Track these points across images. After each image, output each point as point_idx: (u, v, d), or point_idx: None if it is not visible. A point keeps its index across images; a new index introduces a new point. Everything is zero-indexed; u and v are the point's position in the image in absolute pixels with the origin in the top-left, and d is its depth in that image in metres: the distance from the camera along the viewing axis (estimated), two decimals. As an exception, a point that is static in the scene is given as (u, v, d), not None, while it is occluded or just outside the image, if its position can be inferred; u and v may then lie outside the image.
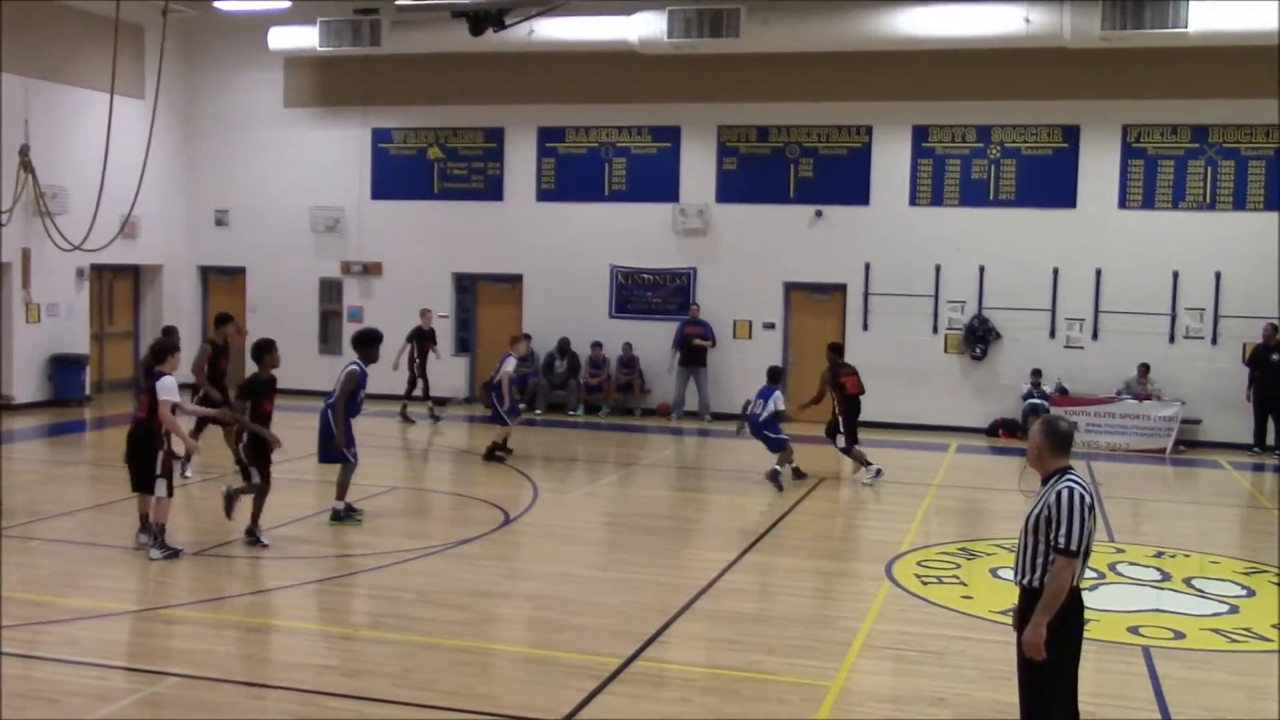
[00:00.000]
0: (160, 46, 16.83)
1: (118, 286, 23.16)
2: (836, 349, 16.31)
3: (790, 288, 21.33)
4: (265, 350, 11.53)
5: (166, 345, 10.97)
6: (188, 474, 14.37)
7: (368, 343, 12.53)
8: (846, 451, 15.61)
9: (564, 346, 21.67)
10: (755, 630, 8.95)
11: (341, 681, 7.71)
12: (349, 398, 12.13)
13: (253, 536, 11.13)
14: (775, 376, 15.49)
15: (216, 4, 21.55)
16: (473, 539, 11.77)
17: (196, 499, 13.61)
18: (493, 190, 22.55)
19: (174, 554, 10.67)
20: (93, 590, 9.92)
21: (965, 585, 10.51)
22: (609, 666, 8.01)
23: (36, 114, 19.51)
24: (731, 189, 21.43)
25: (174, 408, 10.54)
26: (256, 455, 11.27)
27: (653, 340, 21.48)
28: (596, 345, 21.63)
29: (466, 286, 23.09)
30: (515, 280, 22.58)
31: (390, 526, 12.41)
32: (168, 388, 10.55)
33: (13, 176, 17.19)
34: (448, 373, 22.29)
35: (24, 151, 17.76)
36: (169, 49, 19.80)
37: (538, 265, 22.27)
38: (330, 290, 23.45)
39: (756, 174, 21.29)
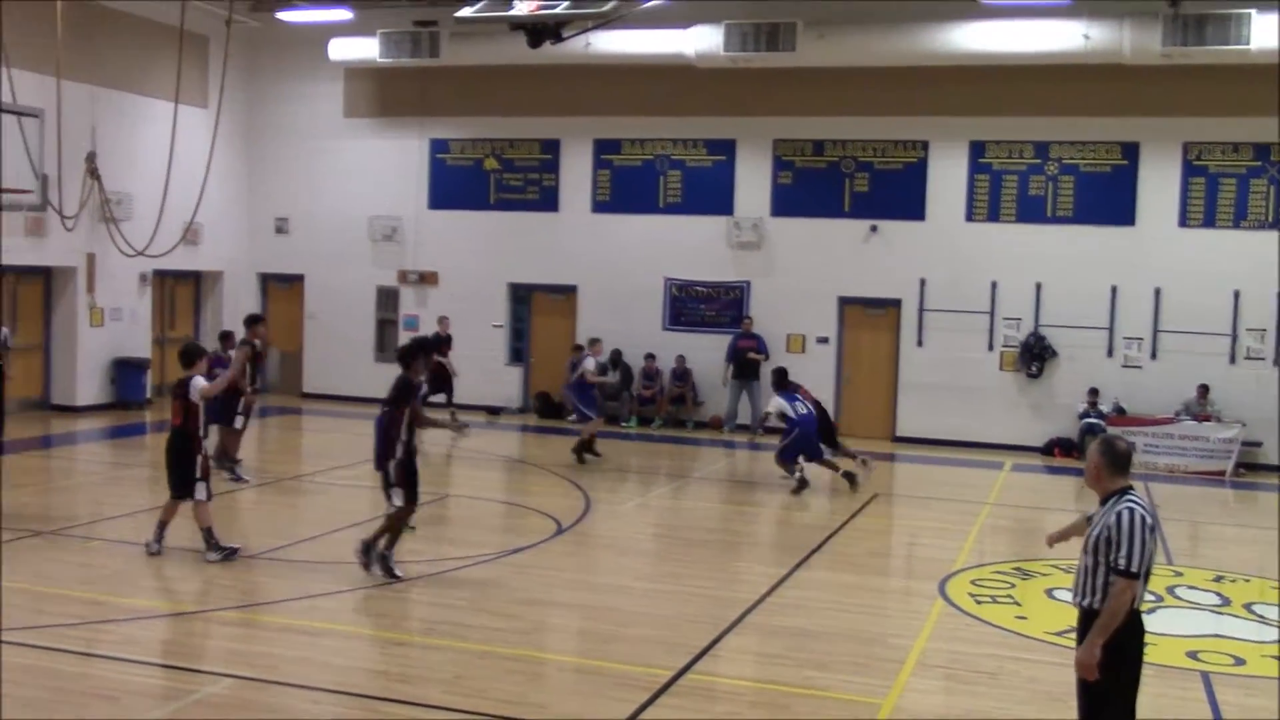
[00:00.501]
0: (224, 56, 17.08)
1: (179, 292, 23.53)
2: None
3: (845, 302, 21.25)
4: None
5: (195, 349, 11.12)
6: (246, 478, 14.58)
7: (413, 356, 12.66)
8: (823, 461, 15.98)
9: (616, 358, 21.72)
10: (807, 646, 8.92)
11: (394, 687, 7.77)
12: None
13: (379, 559, 10.54)
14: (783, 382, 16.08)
15: (279, 15, 21.90)
16: (525, 548, 11.83)
17: (252, 502, 13.77)
18: (548, 201, 22.68)
19: (231, 553, 10.82)
20: (151, 591, 10.08)
21: (1019, 605, 10.41)
22: (659, 679, 8.02)
23: (103, 122, 19.86)
24: (786, 203, 21.41)
25: (203, 395, 10.74)
26: (407, 474, 10.61)
27: (706, 353, 21.48)
28: (650, 357, 21.67)
29: (521, 297, 23.22)
30: (570, 291, 22.67)
31: (443, 534, 12.50)
32: (197, 386, 10.72)
33: (79, 183, 17.50)
34: (502, 382, 22.43)
35: (90, 158, 18.10)
36: (232, 59, 20.09)
37: (592, 276, 22.35)
38: (387, 299, 23.66)
39: (811, 188, 21.25)
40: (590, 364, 17.36)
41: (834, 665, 8.48)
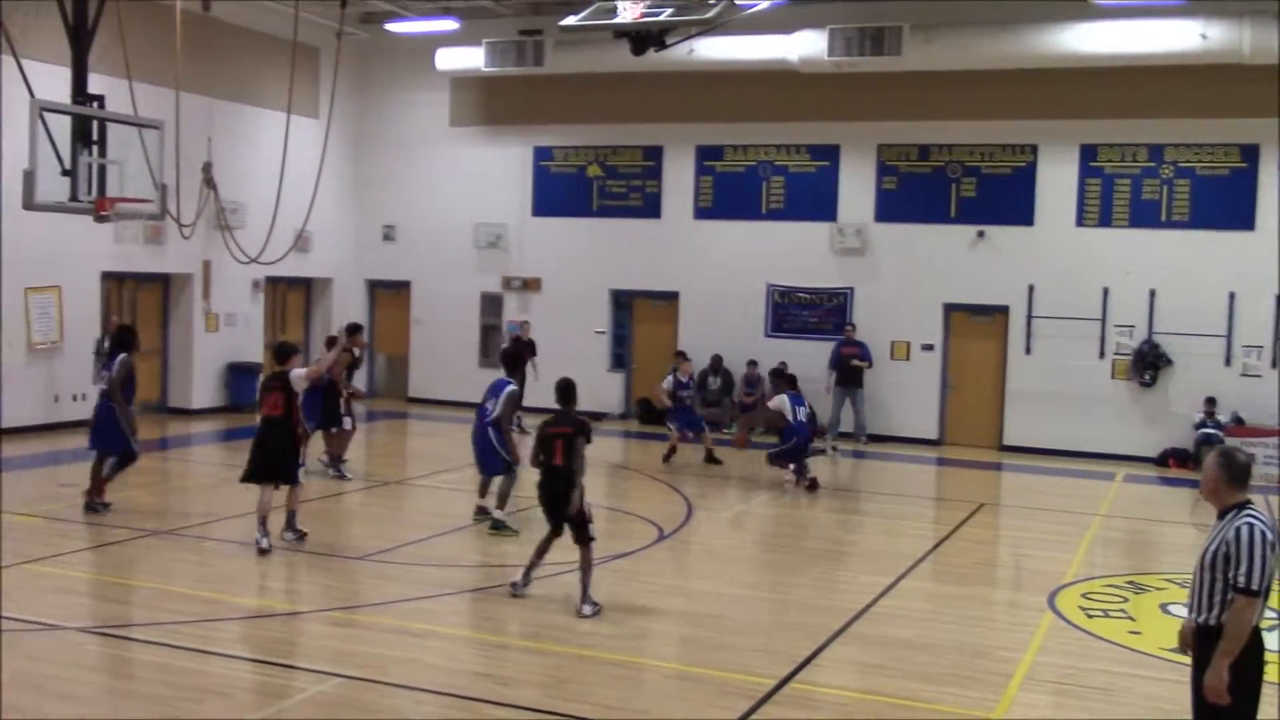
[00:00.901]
0: (334, 68, 17.47)
1: (290, 298, 24.07)
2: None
3: (950, 309, 20.93)
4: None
5: (289, 347, 12.04)
6: (349, 476, 14.91)
7: (516, 361, 13.24)
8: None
9: (717, 364, 21.68)
10: (912, 657, 8.80)
11: (497, 690, 7.84)
12: (512, 415, 12.99)
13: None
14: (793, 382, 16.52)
15: (388, 26, 22.30)
16: (627, 554, 11.86)
17: (359, 505, 14.01)
18: (651, 208, 22.73)
19: (303, 536, 11.63)
20: (263, 591, 10.30)
21: (1133, 620, 10.14)
22: (761, 687, 7.97)
23: (219, 132, 20.37)
24: (891, 208, 21.17)
25: (307, 377, 11.79)
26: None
27: (808, 359, 21.30)
28: (751, 364, 21.58)
29: (623, 303, 23.30)
30: (671, 298, 22.69)
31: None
32: (297, 375, 11.57)
33: (196, 192, 17.99)
34: (604, 388, 22.51)
35: (207, 168, 18.49)
36: (342, 70, 20.54)
37: (694, 283, 22.34)
38: (491, 305, 23.93)
39: (917, 193, 20.98)
40: (667, 381, 17.96)
41: (940, 677, 8.35)
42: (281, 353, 11.89)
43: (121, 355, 12.66)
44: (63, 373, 18.47)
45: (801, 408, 16.01)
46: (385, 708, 7.50)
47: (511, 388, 13.01)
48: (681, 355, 18.85)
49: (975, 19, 19.19)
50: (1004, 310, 20.52)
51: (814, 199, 21.57)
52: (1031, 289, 20.24)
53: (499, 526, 12.49)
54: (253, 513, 11.41)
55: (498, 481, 12.82)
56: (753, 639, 9.16)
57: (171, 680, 7.87)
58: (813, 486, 15.67)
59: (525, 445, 12.16)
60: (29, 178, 12.22)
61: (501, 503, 12.61)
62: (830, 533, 13.97)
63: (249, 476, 11.48)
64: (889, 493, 16.60)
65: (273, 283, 22.79)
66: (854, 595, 10.53)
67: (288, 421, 11.49)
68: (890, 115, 20.96)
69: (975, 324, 20.86)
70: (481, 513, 12.92)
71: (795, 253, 21.62)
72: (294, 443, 11.53)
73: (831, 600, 10.47)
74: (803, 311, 21.74)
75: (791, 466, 15.87)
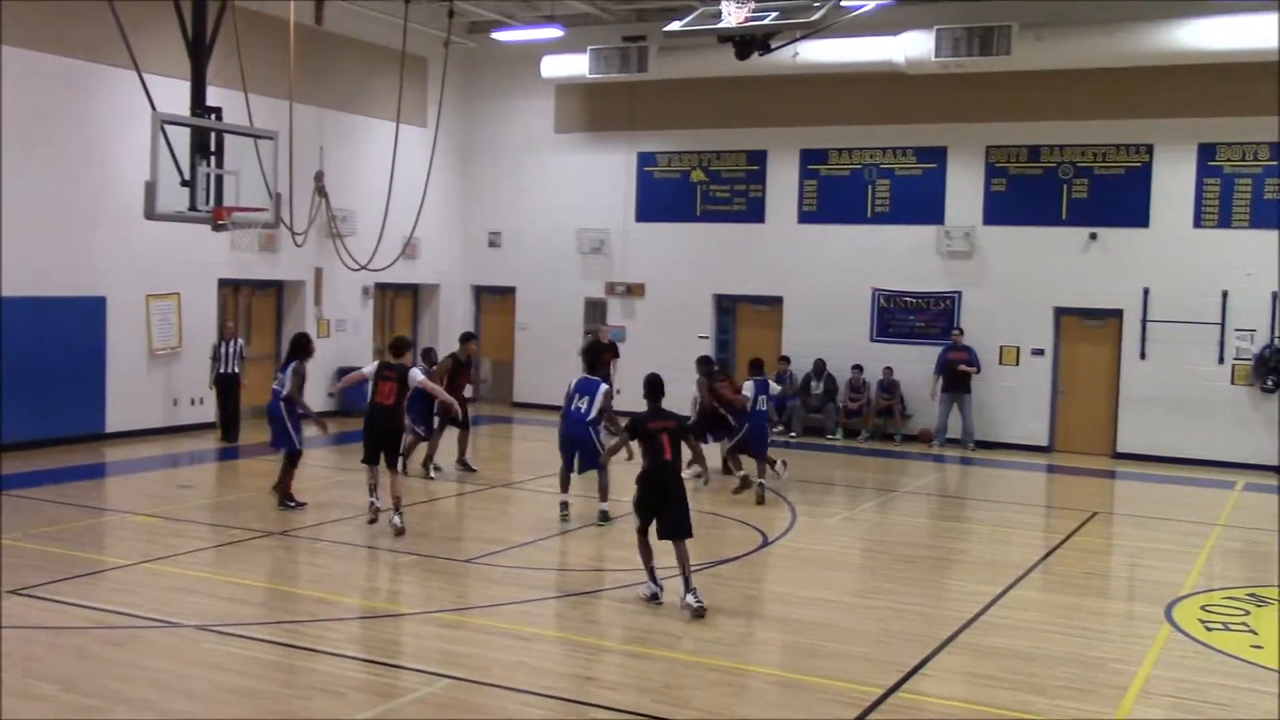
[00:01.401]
0: (442, 77, 17.75)
1: (398, 304, 24.48)
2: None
3: (1061, 313, 20.49)
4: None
5: (404, 341, 13.09)
6: (433, 475, 15.25)
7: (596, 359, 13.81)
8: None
9: (820, 368, 21.52)
10: (1023, 668, 8.62)
11: (603, 694, 7.87)
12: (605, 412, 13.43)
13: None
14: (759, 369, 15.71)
15: (494, 35, 22.56)
16: (730, 559, 11.82)
17: (466, 508, 14.18)
18: (754, 212, 22.66)
19: (401, 532, 12.15)
20: (373, 592, 10.48)
21: (1255, 634, 9.81)
22: (867, 696, 7.88)
23: (330, 142, 20.81)
24: (1000, 210, 20.80)
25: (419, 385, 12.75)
26: None
27: (915, 364, 21.06)
28: (856, 369, 21.39)
29: (726, 308, 23.26)
30: (775, 302, 22.58)
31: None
32: (415, 376, 12.60)
33: (308, 201, 18.38)
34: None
35: (318, 177, 18.85)
36: (449, 79, 20.86)
37: (798, 287, 22.21)
38: (595, 310, 24.07)
39: (1026, 195, 20.59)
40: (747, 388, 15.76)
41: (1052, 689, 8.17)
42: (398, 347, 12.94)
43: (294, 362, 13.38)
44: (181, 378, 19.01)
45: (765, 396, 15.51)
46: (493, 709, 7.58)
47: (606, 385, 13.42)
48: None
49: (1086, 17, 18.79)
50: (1117, 314, 20.02)
51: (920, 202, 21.31)
52: (1147, 292, 19.72)
53: (608, 517, 12.99)
54: (361, 515, 11.65)
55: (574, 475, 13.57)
56: (859, 647, 9.07)
57: (286, 678, 8.06)
58: (760, 500, 14.71)
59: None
60: (150, 189, 12.60)
61: (603, 495, 13.18)
62: (937, 540, 13.76)
63: (367, 458, 12.63)
64: (997, 500, 16.30)
65: (381, 289, 23.20)
66: (962, 604, 10.36)
67: (397, 409, 12.56)
68: (999, 116, 20.61)
69: (1087, 328, 20.39)
70: (604, 516, 13.17)
71: (901, 256, 21.37)
72: (400, 430, 12.74)
73: (939, 609, 10.32)
74: (909, 316, 21.47)
75: (741, 473, 15.40)
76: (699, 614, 9.55)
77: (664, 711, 7.48)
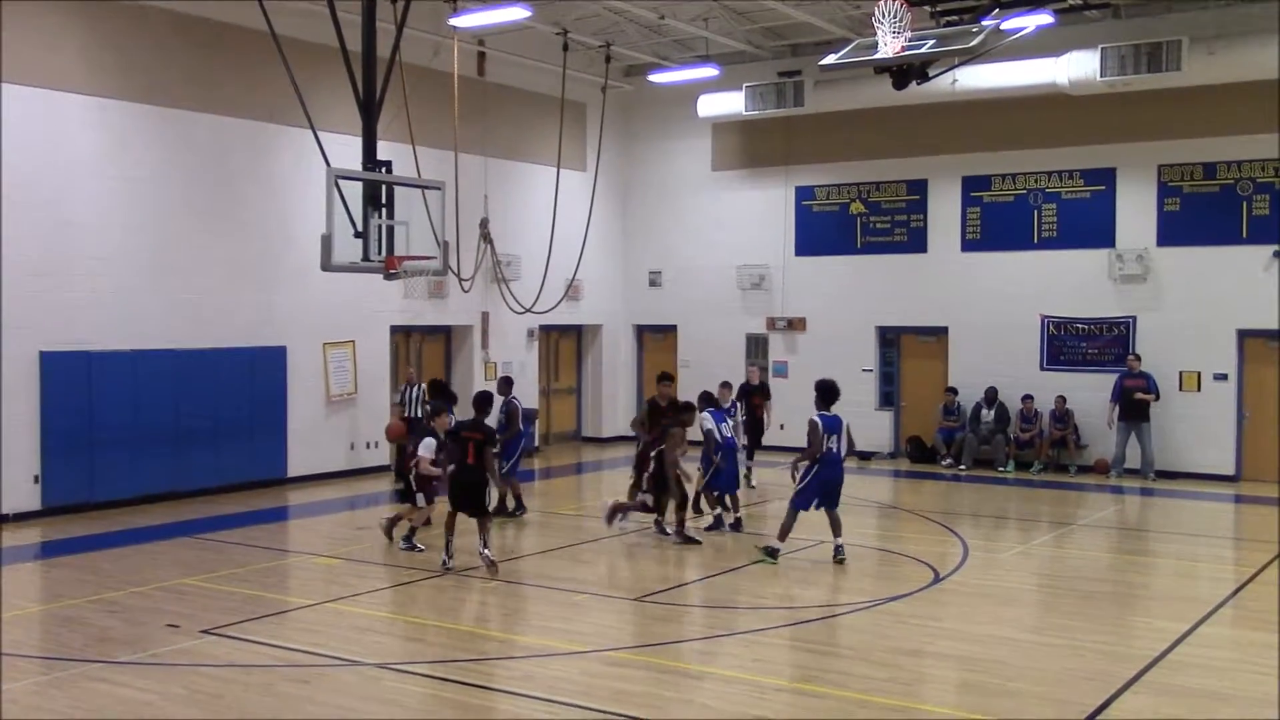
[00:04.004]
0: (600, 121, 18.06)
1: (562, 345, 24.89)
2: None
3: (1245, 335, 19.62)
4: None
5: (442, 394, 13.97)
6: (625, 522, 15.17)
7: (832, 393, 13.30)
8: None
9: (991, 396, 21.04)
10: (1216, 709, 8.24)
11: (775, 733, 7.80)
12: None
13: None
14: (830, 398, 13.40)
15: (651, 77, 22.89)
16: (902, 596, 11.62)
17: (637, 548, 14.27)
18: (916, 242, 22.36)
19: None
20: (546, 630, 10.63)
21: None
22: (1050, 737, 7.64)
23: (494, 189, 21.37)
24: (1174, 231, 20.08)
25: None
26: None
27: (1089, 393, 20.41)
28: (1027, 398, 20.84)
29: (890, 340, 22.96)
30: (940, 333, 22.20)
31: (819, 579, 12.50)
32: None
33: (474, 247, 18.86)
34: (872, 426, 22.14)
35: (484, 224, 19.43)
36: (608, 122, 21.19)
37: (963, 317, 21.80)
38: (756, 345, 24.05)
39: (1203, 214, 19.83)
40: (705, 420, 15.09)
41: (1248, 732, 7.80)
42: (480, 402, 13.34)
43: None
44: (358, 422, 19.67)
45: (725, 424, 14.84)
46: (665, 748, 7.60)
47: (812, 417, 12.99)
48: (725, 385, 17.31)
49: (1259, 27, 18.06)
50: (1307, 335, 19.09)
51: (1089, 225, 20.72)
52: (1338, 311, 18.75)
53: (773, 554, 12.94)
54: (532, 554, 11.83)
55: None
56: (1037, 686, 8.80)
57: (461, 715, 8.23)
58: (736, 526, 14.82)
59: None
60: (326, 241, 13.07)
61: (783, 534, 13.03)
62: (1118, 575, 13.27)
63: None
64: (1181, 532, 15.64)
65: (545, 330, 23.62)
66: (1148, 641, 9.97)
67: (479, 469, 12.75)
68: (1170, 133, 19.94)
69: (1274, 350, 19.46)
70: (839, 551, 13.02)
71: (1070, 282, 20.79)
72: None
73: (1123, 647, 9.95)
74: (1080, 343, 20.84)
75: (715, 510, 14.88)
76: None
77: (837, 752, 7.38)
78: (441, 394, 15.60)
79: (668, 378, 16.02)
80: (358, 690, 8.70)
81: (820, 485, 12.95)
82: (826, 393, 13.19)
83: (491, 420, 13.72)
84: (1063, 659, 9.54)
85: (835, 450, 12.93)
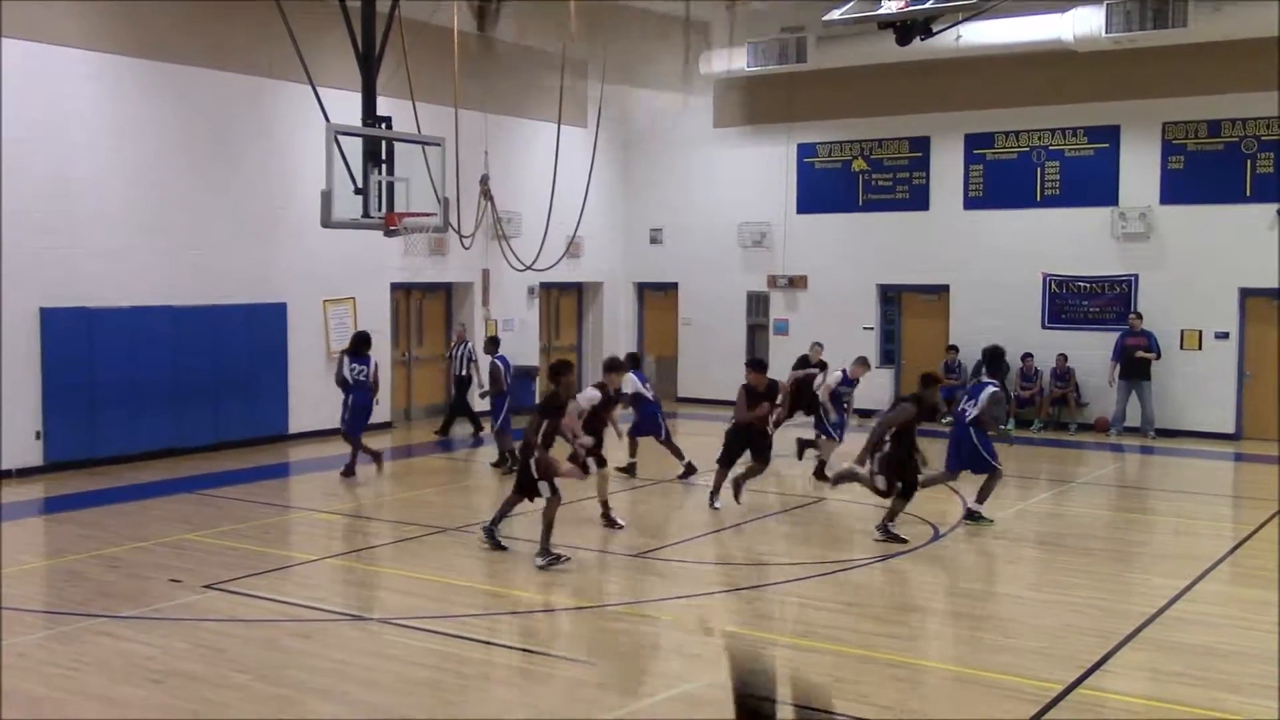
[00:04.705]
0: (601, 77, 17.85)
1: (563, 303, 24.85)
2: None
3: (1247, 294, 19.57)
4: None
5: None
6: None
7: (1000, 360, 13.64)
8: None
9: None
10: (1213, 665, 8.29)
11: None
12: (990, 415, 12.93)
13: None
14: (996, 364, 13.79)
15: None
16: (902, 553, 11.66)
17: (631, 503, 14.29)
18: (918, 200, 22.27)
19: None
20: (542, 586, 10.65)
21: None
22: (1047, 692, 7.69)
23: (494, 145, 20.98)
24: (1178, 189, 19.99)
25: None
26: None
27: (1090, 351, 20.40)
28: (1027, 357, 20.83)
29: (891, 298, 22.92)
30: (941, 291, 22.16)
31: (819, 537, 12.56)
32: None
33: (474, 204, 18.71)
34: (873, 385, 22.08)
35: (484, 181, 19.02)
36: (609, 78, 20.86)
37: (965, 275, 21.74)
38: (757, 303, 24.01)
39: (1206, 172, 19.73)
40: (833, 378, 15.87)
41: (1246, 688, 7.84)
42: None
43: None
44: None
45: (648, 382, 16.20)
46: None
47: (993, 389, 12.96)
48: (863, 360, 16.53)
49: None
50: (1309, 294, 19.05)
51: (1092, 183, 20.63)
52: (1340, 270, 18.71)
53: (978, 518, 12.89)
54: (532, 511, 11.85)
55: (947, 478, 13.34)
56: (1036, 642, 8.85)
57: (459, 669, 8.27)
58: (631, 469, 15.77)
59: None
60: (326, 198, 12.92)
61: (982, 498, 12.94)
62: (1117, 533, 13.32)
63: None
64: (1180, 490, 15.67)
65: (546, 288, 23.57)
66: (1145, 598, 10.02)
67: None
68: (1175, 91, 19.81)
69: (1276, 309, 19.43)
70: (971, 515, 12.97)
71: (1073, 240, 20.73)
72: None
73: (1119, 603, 10.00)
74: (1082, 301, 20.81)
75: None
76: None
77: (839, 707, 7.42)
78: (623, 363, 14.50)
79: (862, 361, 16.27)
80: (360, 645, 8.75)
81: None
82: (997, 360, 13.56)
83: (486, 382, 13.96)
84: (1060, 615, 9.59)
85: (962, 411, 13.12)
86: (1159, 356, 19.67)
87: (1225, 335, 19.70)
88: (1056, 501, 14.95)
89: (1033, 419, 20.87)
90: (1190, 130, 19.87)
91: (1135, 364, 19.68)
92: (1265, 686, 7.86)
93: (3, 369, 15.14)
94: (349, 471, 15.62)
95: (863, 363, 16.30)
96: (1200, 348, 19.82)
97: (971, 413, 12.91)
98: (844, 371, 15.85)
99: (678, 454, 15.84)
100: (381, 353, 19.55)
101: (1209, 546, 12.28)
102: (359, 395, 15.76)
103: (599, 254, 24.38)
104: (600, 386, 13.18)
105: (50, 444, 15.66)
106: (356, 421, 15.79)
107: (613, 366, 13.73)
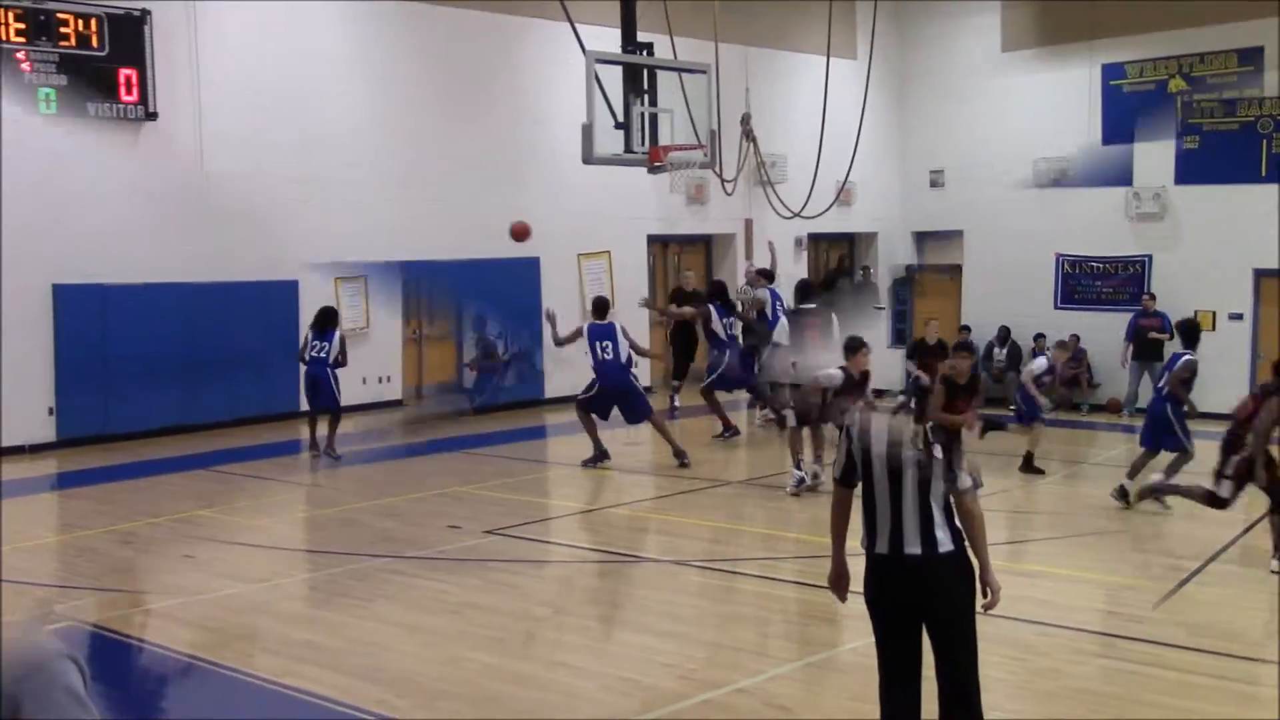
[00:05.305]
0: (873, 1, 16.09)
1: (832, 255, 23.48)
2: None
3: (1261, 275, 19.47)
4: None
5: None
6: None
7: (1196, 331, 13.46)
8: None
9: (1004, 335, 20.96)
10: (1222, 646, 8.22)
11: (1127, 626, 7.82)
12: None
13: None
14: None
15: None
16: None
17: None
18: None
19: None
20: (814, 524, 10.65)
21: None
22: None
23: (755, 82, 18.67)
24: (1192, 169, 19.86)
25: None
26: None
27: (1102, 332, 20.32)
28: (1039, 337, 20.75)
29: (904, 280, 22.79)
30: (955, 271, 22.06)
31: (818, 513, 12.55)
32: None
33: (735, 147, 16.59)
34: (884, 364, 21.85)
35: (745, 120, 17.14)
36: (881, 4, 17.16)
37: (977, 255, 21.66)
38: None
39: (1222, 152, 19.59)
40: (1037, 364, 15.31)
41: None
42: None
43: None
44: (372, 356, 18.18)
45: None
46: (1014, 640, 7.81)
47: (1188, 358, 12.87)
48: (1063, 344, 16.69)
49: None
50: (1323, 275, 18.93)
51: (1106, 163, 20.48)
52: (1356, 251, 18.58)
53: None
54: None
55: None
56: (1045, 618, 8.84)
57: (779, 609, 8.86)
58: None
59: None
60: (587, 132, 12.28)
61: (1169, 475, 12.76)
62: (1128, 513, 13.24)
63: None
64: (1192, 473, 15.47)
65: (814, 239, 22.14)
66: (1157, 578, 9.99)
67: None
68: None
69: (1292, 290, 19.33)
70: (1122, 494, 12.76)
71: (1086, 220, 20.63)
72: None
73: (1131, 582, 9.97)
74: (1095, 282, 20.74)
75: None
76: None
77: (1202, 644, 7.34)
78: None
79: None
80: (657, 582, 9.09)
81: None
82: (1192, 332, 13.46)
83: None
84: (1071, 595, 9.57)
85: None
86: (1173, 337, 19.55)
87: (1239, 316, 19.63)
88: (1066, 483, 14.89)
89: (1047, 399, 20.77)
90: (1206, 110, 19.70)
91: (1148, 345, 19.62)
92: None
93: (3, 344, 14.71)
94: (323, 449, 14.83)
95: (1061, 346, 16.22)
96: (1214, 329, 19.71)
97: (1165, 383, 12.91)
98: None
99: None
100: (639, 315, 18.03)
101: (1219, 529, 12.19)
102: (315, 369, 14.71)
103: (872, 200, 22.39)
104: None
105: (63, 420, 15.46)
106: (322, 400, 14.81)
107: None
